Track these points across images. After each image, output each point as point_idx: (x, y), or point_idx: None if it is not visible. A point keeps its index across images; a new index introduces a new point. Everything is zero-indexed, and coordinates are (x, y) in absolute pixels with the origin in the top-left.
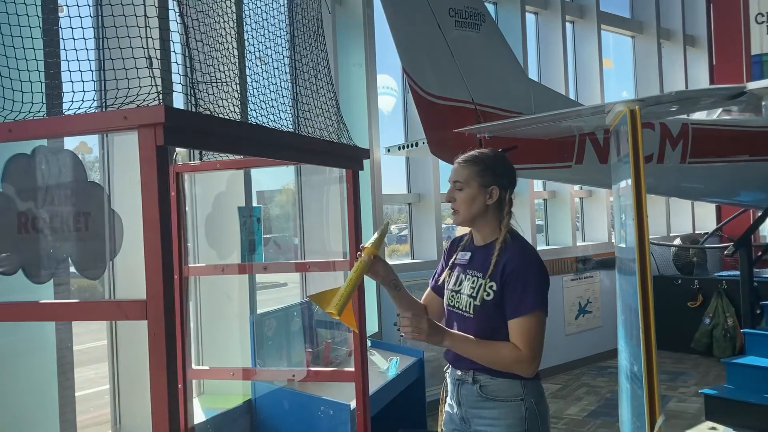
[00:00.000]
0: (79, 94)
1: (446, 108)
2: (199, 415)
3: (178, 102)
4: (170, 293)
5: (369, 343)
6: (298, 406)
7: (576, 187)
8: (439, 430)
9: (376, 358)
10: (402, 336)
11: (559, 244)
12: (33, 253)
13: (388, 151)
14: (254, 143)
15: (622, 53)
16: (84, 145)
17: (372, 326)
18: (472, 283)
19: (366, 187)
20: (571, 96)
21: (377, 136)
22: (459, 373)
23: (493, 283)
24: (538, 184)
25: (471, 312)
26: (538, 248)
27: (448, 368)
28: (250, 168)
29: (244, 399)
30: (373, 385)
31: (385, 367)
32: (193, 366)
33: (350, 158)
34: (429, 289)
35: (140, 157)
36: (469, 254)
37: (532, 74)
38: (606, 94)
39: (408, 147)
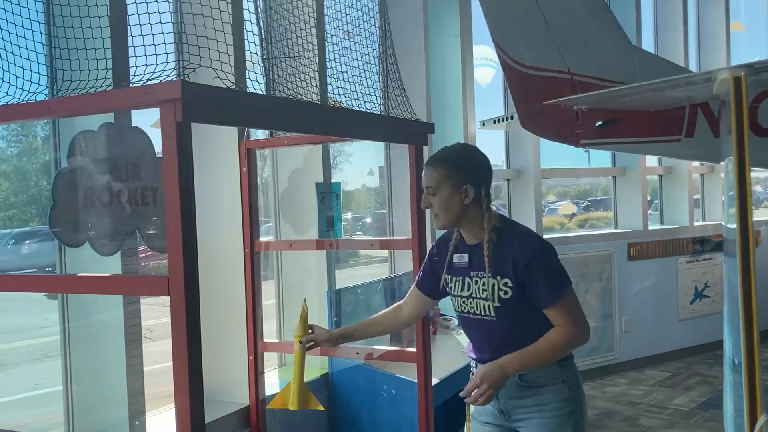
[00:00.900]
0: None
1: (539, 79)
2: (274, 386)
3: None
4: (192, 270)
5: (456, 322)
6: (372, 383)
7: (696, 163)
8: (467, 425)
9: (461, 336)
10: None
11: (674, 224)
12: (99, 226)
13: (483, 125)
14: (288, 118)
15: (755, 15)
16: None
17: None
18: (483, 284)
19: None
20: (692, 65)
21: (472, 109)
22: None
23: (506, 280)
24: (652, 160)
25: (492, 314)
26: (650, 228)
27: (476, 365)
28: (327, 143)
29: (321, 372)
30: (456, 365)
31: None
32: (266, 339)
33: (411, 133)
34: (414, 286)
35: (162, 134)
36: (466, 255)
37: (647, 42)
38: (734, 62)
39: (503, 120)
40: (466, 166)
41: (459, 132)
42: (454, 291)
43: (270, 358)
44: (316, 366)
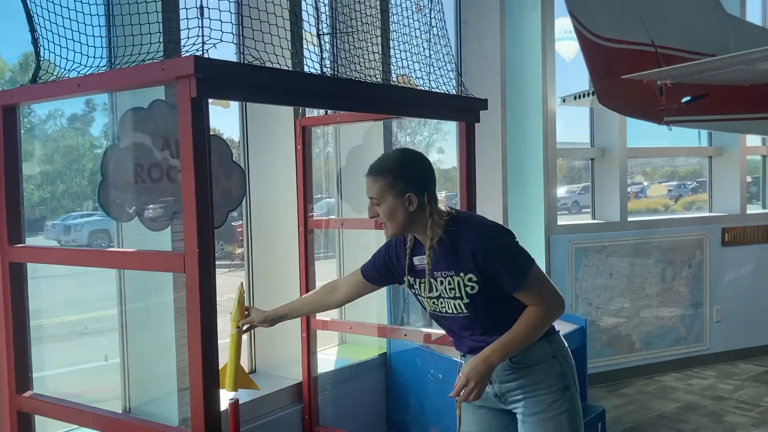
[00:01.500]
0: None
1: (619, 52)
2: (330, 364)
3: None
4: (207, 247)
5: None
6: (429, 365)
7: None
8: (458, 413)
9: None
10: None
11: None
12: (148, 203)
13: (564, 101)
14: (314, 94)
15: None
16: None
17: None
18: (448, 283)
19: (537, 140)
20: None
21: (552, 85)
22: None
23: (471, 275)
24: (753, 139)
25: (464, 311)
26: (749, 212)
27: (464, 356)
28: (390, 120)
29: (380, 352)
30: None
31: None
32: (319, 317)
33: (462, 110)
34: (359, 271)
35: (178, 110)
36: (425, 257)
37: (754, 12)
38: None
39: (584, 96)
40: (406, 174)
41: (538, 109)
42: (421, 293)
43: (331, 336)
44: (374, 346)
